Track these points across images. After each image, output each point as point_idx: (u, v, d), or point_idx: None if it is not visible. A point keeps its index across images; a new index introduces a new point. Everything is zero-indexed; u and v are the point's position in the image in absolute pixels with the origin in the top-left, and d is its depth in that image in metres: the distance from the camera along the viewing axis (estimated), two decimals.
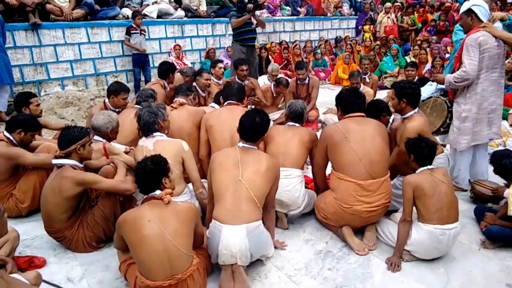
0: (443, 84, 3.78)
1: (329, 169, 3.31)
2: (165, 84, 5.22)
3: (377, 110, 3.58)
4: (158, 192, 2.40)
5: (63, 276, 2.76)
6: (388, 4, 11.71)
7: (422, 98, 4.05)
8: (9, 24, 6.05)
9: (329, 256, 2.96)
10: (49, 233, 2.99)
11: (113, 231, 2.92)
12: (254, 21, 6.82)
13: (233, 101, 3.76)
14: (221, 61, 5.86)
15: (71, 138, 2.87)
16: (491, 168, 3.34)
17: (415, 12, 11.95)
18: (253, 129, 2.81)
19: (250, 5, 6.51)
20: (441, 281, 2.68)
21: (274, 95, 6.14)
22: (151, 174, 2.42)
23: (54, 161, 2.89)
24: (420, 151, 2.84)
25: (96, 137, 3.38)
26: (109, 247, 3.04)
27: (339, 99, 3.24)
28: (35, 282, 2.25)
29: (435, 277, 2.72)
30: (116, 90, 4.32)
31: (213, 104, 4.39)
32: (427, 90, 4.10)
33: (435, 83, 4.05)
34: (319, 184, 3.44)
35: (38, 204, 3.13)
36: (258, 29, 9.83)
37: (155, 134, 3.14)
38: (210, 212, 2.80)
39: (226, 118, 3.52)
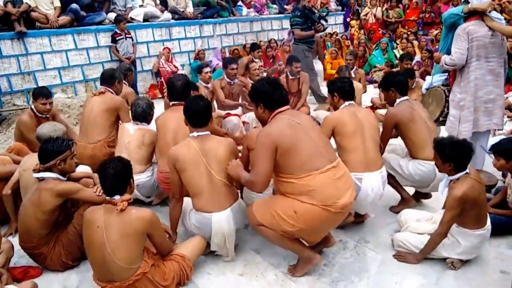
0: (439, 62, 3.81)
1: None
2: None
3: (391, 83, 3.28)
4: (117, 197, 2.34)
5: (59, 285, 2.76)
6: None
7: (428, 86, 4.18)
8: None
9: (324, 251, 2.97)
10: (24, 249, 2.81)
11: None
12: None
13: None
14: (207, 66, 5.76)
15: (51, 152, 2.71)
16: (487, 159, 3.33)
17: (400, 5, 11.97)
18: (204, 112, 2.74)
19: (321, 27, 6.67)
20: (436, 271, 2.70)
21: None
22: (120, 173, 2.36)
23: (35, 175, 2.73)
24: (462, 157, 2.58)
25: None
26: None
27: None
28: None
29: (431, 267, 2.74)
30: (34, 94, 4.10)
31: None
32: (436, 79, 4.17)
33: (445, 74, 4.06)
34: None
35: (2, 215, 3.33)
36: (245, 29, 9.98)
37: (143, 123, 3.67)
38: (174, 209, 2.87)
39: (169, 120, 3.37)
